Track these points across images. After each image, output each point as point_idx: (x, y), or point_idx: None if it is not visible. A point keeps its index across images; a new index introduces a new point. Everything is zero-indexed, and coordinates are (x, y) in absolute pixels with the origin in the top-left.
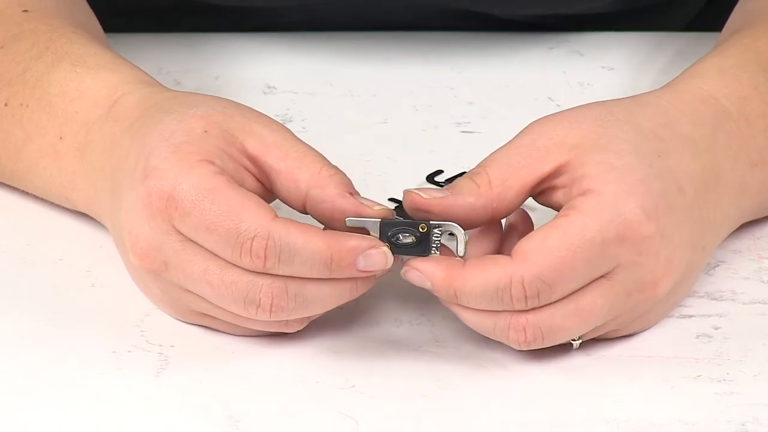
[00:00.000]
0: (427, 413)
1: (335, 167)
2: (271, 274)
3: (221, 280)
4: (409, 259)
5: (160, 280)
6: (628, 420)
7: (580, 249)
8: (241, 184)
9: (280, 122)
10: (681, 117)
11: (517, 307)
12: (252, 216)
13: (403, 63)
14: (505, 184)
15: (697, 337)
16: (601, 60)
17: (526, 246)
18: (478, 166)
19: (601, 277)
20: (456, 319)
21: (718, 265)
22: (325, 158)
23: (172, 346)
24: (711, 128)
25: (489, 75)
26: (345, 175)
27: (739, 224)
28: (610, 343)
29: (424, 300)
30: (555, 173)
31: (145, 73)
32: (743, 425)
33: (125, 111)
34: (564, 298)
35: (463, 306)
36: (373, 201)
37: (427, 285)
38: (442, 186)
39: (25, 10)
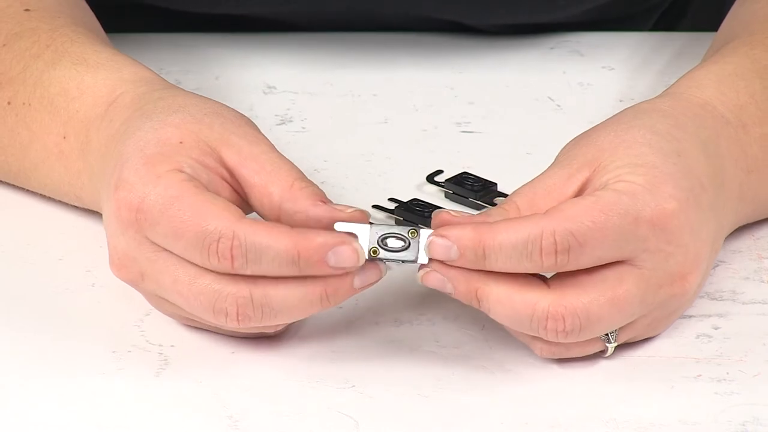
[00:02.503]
0: (427, 413)
1: (309, 181)
2: (238, 282)
3: (190, 290)
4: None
5: (141, 290)
6: (628, 420)
7: (613, 216)
8: (216, 194)
9: (264, 133)
10: (687, 120)
11: (545, 264)
12: (217, 218)
13: (403, 63)
14: (534, 211)
15: (697, 337)
16: (601, 60)
17: (560, 205)
18: (507, 198)
19: (632, 265)
20: (456, 319)
21: (718, 265)
22: (300, 172)
23: (172, 346)
24: (715, 133)
25: (489, 75)
26: (318, 187)
27: (733, 230)
28: None
29: (424, 300)
30: (581, 192)
31: (146, 68)
32: (743, 425)
33: (119, 112)
34: (599, 288)
35: (493, 289)
36: (345, 205)
37: (448, 288)
38: (442, 186)
39: (27, 9)
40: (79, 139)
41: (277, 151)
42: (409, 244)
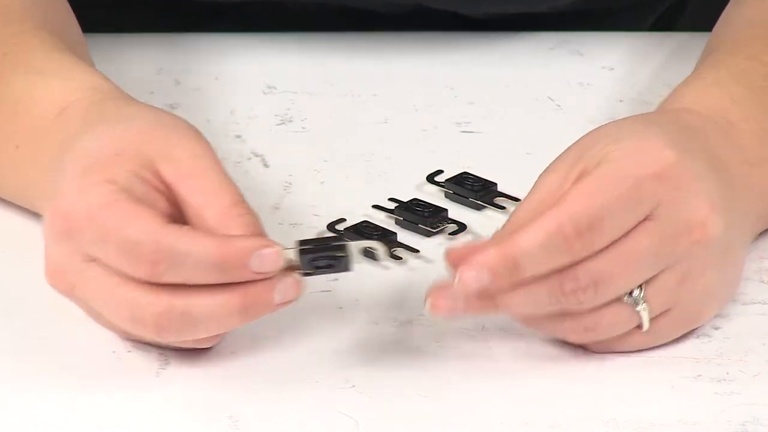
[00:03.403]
0: (427, 413)
1: (246, 206)
2: (158, 292)
3: (112, 299)
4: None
5: (74, 300)
6: (628, 420)
7: (617, 181)
8: (152, 208)
9: (211, 150)
10: (669, 118)
11: (577, 249)
12: (141, 223)
13: (403, 63)
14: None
15: (697, 336)
16: (601, 60)
17: (563, 195)
18: (510, 215)
19: (648, 219)
20: (455, 318)
21: None
22: (238, 195)
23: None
24: (698, 126)
25: (489, 75)
26: (254, 215)
27: (760, 230)
28: None
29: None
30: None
31: (100, 76)
32: (743, 425)
33: (68, 123)
34: (612, 245)
35: (519, 283)
36: (275, 243)
37: (484, 280)
38: (442, 186)
39: None
40: (31, 149)
41: (221, 170)
42: (339, 258)
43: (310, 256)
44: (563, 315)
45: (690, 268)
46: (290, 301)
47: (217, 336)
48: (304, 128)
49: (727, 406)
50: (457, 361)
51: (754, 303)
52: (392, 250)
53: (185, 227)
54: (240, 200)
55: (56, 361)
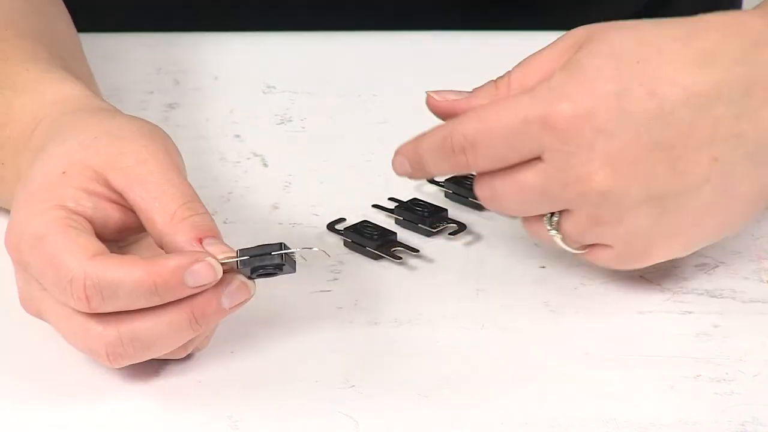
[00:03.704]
0: (427, 413)
1: (191, 208)
2: (105, 321)
3: (67, 330)
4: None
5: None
6: (628, 420)
7: (504, 116)
8: (104, 222)
9: (160, 148)
10: (707, 32)
11: (457, 161)
12: (70, 258)
13: (403, 63)
14: (523, 87)
15: (697, 336)
16: None
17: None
18: (504, 74)
19: (540, 159)
20: (455, 318)
21: (717, 266)
22: (186, 196)
23: None
24: (751, 42)
25: (489, 75)
26: (203, 216)
27: None
28: (610, 342)
29: (424, 300)
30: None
31: (73, 86)
32: (743, 425)
33: (36, 141)
34: (509, 170)
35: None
36: (224, 247)
37: (407, 169)
38: (441, 185)
39: None
40: (15, 165)
41: (169, 172)
42: (281, 267)
43: (250, 267)
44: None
45: (597, 214)
46: (243, 303)
47: (191, 344)
48: (303, 128)
49: (726, 406)
50: (457, 361)
51: (754, 302)
52: (392, 250)
53: (115, 257)
54: (186, 201)
55: (56, 360)
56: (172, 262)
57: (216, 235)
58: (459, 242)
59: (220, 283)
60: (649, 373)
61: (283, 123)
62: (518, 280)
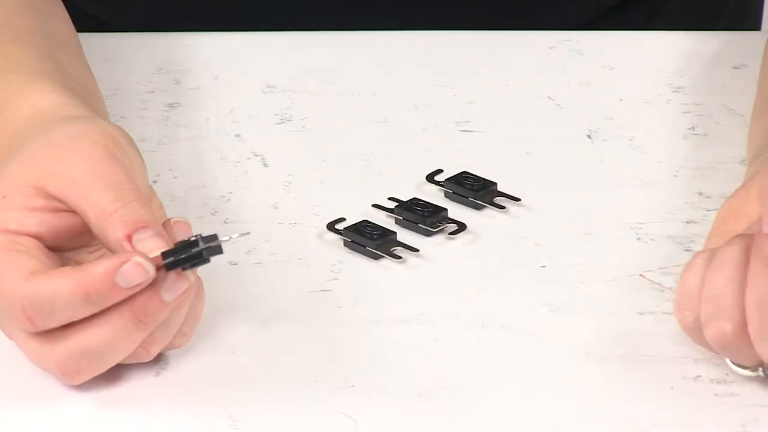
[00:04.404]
0: (427, 413)
1: (121, 197)
2: (53, 341)
3: (28, 354)
4: None
5: None
6: (628, 420)
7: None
8: (56, 232)
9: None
10: None
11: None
12: (6, 283)
13: (403, 62)
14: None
15: None
16: (601, 60)
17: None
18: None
19: None
20: (455, 317)
21: None
22: (113, 191)
23: None
24: None
25: (489, 74)
26: (131, 203)
27: None
28: (610, 342)
29: (425, 299)
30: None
31: (50, 92)
32: (743, 426)
33: (6, 155)
34: None
35: None
36: (157, 240)
37: None
38: (441, 185)
39: None
40: None
41: (101, 166)
42: (195, 255)
43: (176, 264)
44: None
45: None
46: (185, 293)
47: (151, 345)
48: (303, 127)
49: (726, 406)
50: (457, 361)
51: None
52: (392, 249)
53: (48, 272)
54: (116, 197)
55: None
56: (99, 268)
57: (146, 225)
58: (459, 242)
59: (156, 279)
60: (649, 373)
61: (283, 123)
62: (518, 280)
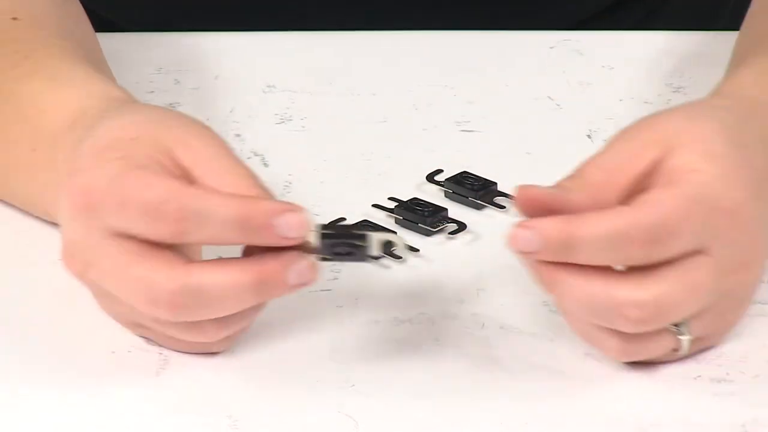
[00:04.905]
0: (427, 413)
1: (264, 188)
2: (174, 268)
3: (127, 276)
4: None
5: (87, 284)
6: (628, 420)
7: (697, 206)
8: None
9: (220, 136)
10: (751, 118)
11: (634, 255)
12: (164, 183)
13: (403, 62)
14: (609, 188)
15: None
16: (601, 60)
17: (646, 196)
18: (578, 172)
19: (705, 254)
20: (456, 317)
21: None
22: (255, 178)
23: None
24: None
25: (489, 75)
26: (272, 196)
27: None
28: None
29: (425, 299)
30: (649, 171)
31: (119, 88)
32: (743, 425)
33: (86, 123)
34: (676, 274)
35: (570, 281)
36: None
37: (534, 246)
38: (441, 185)
39: (15, 18)
40: (47, 153)
41: (237, 158)
42: (358, 247)
43: (331, 241)
44: (611, 333)
45: (730, 304)
46: (304, 284)
47: (228, 340)
48: (303, 127)
49: (726, 406)
50: (457, 360)
51: (754, 303)
52: (392, 249)
53: (208, 187)
54: (257, 183)
55: (56, 361)
56: (268, 204)
57: (297, 207)
58: (459, 242)
59: (290, 258)
60: (649, 373)
61: (283, 122)
62: (518, 280)
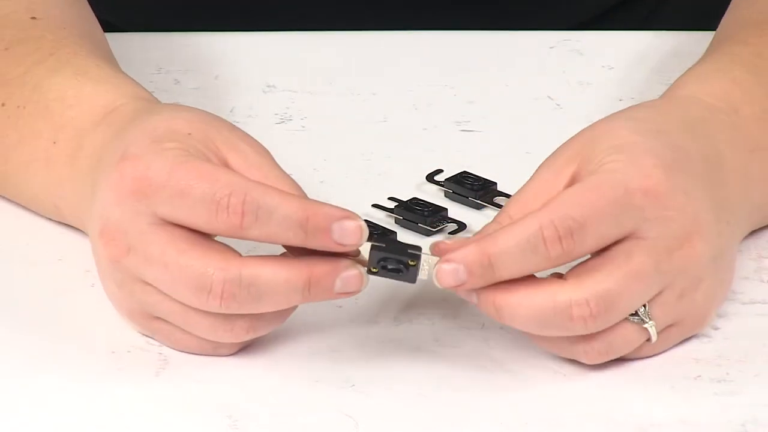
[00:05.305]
0: (427, 413)
1: (305, 196)
2: (228, 260)
3: (177, 262)
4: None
5: (120, 269)
6: (628, 420)
7: (604, 192)
8: None
9: (263, 144)
10: (671, 109)
11: (553, 253)
12: (228, 175)
13: (403, 62)
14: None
15: (697, 337)
16: (601, 59)
17: (553, 197)
18: (499, 212)
19: (637, 238)
20: (456, 317)
21: None
22: (301, 189)
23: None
24: (702, 118)
25: (489, 74)
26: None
27: (760, 221)
28: None
29: (424, 300)
30: (571, 185)
31: (145, 89)
32: (743, 425)
33: (118, 120)
34: (612, 265)
35: (509, 295)
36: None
37: (461, 277)
38: (441, 185)
39: (33, 17)
40: (70, 146)
41: (282, 169)
42: (408, 266)
43: (382, 254)
44: (575, 339)
45: (687, 282)
46: (348, 294)
47: (235, 346)
48: (303, 127)
49: (726, 406)
50: (457, 361)
51: (754, 303)
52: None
53: (270, 186)
54: (303, 194)
55: (56, 361)
56: (328, 208)
57: (353, 215)
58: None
59: (341, 265)
60: (649, 373)
61: (283, 122)
62: None
